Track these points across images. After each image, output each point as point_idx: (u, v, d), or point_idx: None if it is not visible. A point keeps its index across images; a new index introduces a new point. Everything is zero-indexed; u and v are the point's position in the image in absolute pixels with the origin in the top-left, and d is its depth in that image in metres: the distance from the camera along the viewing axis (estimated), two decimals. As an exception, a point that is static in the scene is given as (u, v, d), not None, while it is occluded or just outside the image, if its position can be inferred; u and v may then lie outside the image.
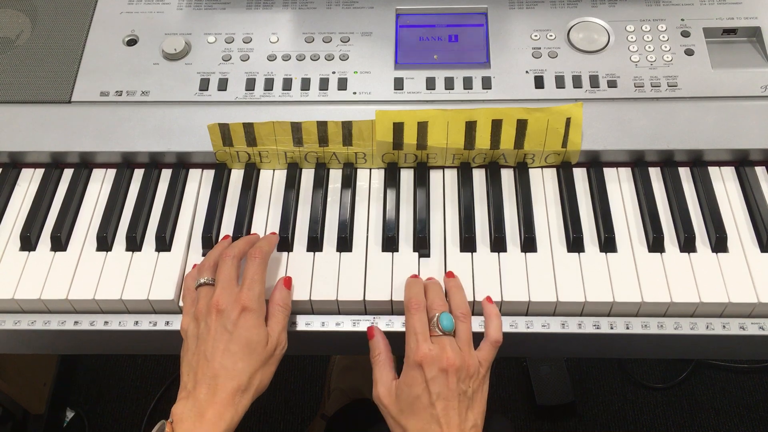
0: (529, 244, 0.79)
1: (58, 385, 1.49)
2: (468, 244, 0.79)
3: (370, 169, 0.87)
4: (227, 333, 0.69)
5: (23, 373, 1.39)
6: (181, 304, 0.77)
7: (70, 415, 1.49)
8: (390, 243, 0.80)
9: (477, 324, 0.75)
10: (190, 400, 0.67)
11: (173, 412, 0.67)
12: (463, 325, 0.71)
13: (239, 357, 0.68)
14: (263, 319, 0.72)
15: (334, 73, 0.89)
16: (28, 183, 0.87)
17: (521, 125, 0.82)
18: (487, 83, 0.87)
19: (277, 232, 0.80)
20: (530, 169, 0.85)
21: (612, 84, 0.87)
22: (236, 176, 0.87)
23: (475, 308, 0.76)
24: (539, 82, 0.87)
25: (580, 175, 0.85)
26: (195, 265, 0.78)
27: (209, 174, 0.87)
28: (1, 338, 0.80)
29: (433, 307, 0.72)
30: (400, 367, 0.72)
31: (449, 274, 0.77)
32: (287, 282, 0.76)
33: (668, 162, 0.85)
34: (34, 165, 0.89)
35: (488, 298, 0.75)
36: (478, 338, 0.73)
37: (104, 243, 0.81)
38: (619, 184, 0.84)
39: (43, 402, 1.44)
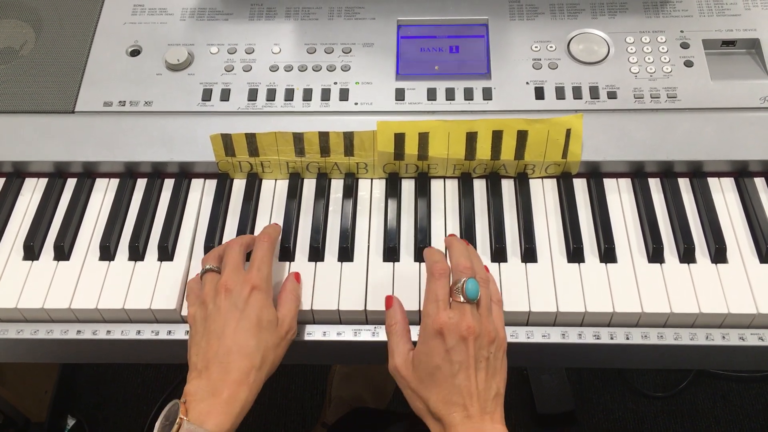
0: (529, 255, 0.80)
1: (59, 392, 1.50)
2: (469, 254, 0.80)
3: (372, 179, 0.87)
4: (238, 311, 0.68)
5: (24, 381, 1.39)
6: (184, 312, 0.77)
7: (71, 422, 1.49)
8: (391, 253, 0.80)
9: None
10: (203, 380, 0.66)
11: (186, 391, 0.66)
12: (484, 291, 0.68)
13: (252, 334, 0.68)
14: (272, 301, 0.72)
15: (335, 83, 0.90)
16: (31, 192, 0.88)
17: (522, 136, 0.82)
18: (487, 94, 0.88)
19: (279, 241, 0.81)
20: (531, 180, 0.86)
21: (612, 95, 0.87)
22: (238, 186, 0.87)
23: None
24: (540, 93, 0.88)
25: (580, 186, 0.86)
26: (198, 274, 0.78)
27: (211, 184, 0.88)
28: (3, 347, 0.80)
29: (459, 270, 0.68)
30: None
31: (464, 241, 0.76)
32: (297, 276, 0.77)
33: (668, 173, 0.86)
34: (38, 174, 0.89)
35: (485, 268, 0.74)
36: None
37: (107, 252, 0.82)
38: (619, 195, 0.85)
39: (44, 409, 1.44)
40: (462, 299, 0.66)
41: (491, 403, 0.65)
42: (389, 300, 0.74)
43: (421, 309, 0.69)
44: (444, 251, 0.76)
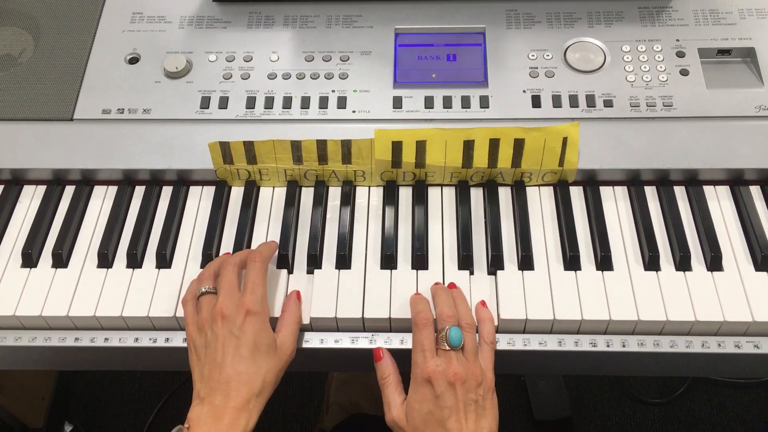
0: (526, 262, 0.80)
1: (57, 398, 1.49)
2: (466, 261, 0.80)
3: (369, 187, 0.88)
4: (235, 338, 0.69)
5: (22, 387, 1.39)
6: (180, 314, 0.78)
7: (68, 429, 1.49)
8: (388, 260, 0.80)
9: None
10: (205, 406, 0.68)
11: (189, 417, 0.68)
12: (469, 336, 0.72)
13: (250, 361, 0.69)
14: (268, 322, 0.72)
15: (333, 91, 0.90)
16: (29, 200, 0.88)
17: (518, 144, 0.83)
18: (484, 102, 0.88)
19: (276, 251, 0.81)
20: (527, 188, 0.86)
21: (608, 103, 0.88)
22: (236, 193, 0.88)
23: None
24: (536, 102, 0.88)
25: (576, 194, 0.86)
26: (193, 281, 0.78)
27: (209, 191, 0.88)
28: (2, 354, 0.81)
29: (442, 319, 0.72)
30: (405, 385, 0.72)
31: (451, 286, 0.78)
32: (299, 295, 0.78)
33: (664, 181, 0.86)
34: (36, 182, 0.90)
35: (482, 302, 0.76)
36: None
37: (105, 260, 0.82)
38: (615, 203, 0.85)
39: (41, 416, 1.44)
40: (447, 347, 0.70)
41: None
42: (377, 352, 0.75)
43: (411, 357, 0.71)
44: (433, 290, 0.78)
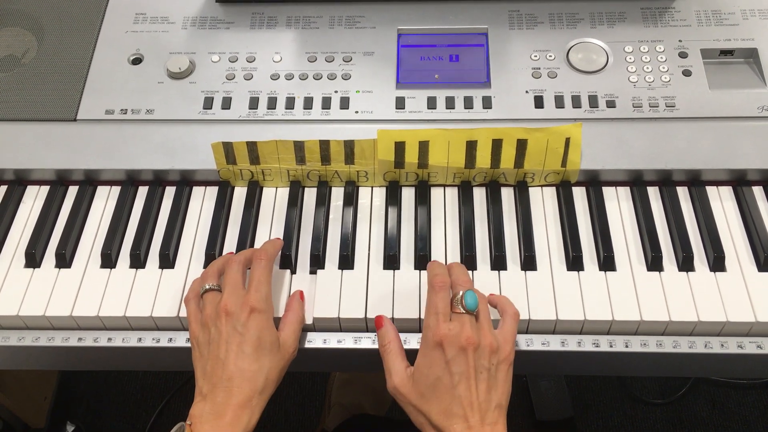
0: (529, 263, 0.80)
1: (59, 398, 1.50)
2: (468, 262, 0.80)
3: (372, 187, 0.88)
4: (238, 335, 0.69)
5: (24, 387, 1.39)
6: (183, 314, 0.78)
7: (70, 428, 1.49)
8: (391, 261, 0.81)
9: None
10: (208, 403, 0.67)
11: (191, 414, 0.68)
12: (483, 305, 0.70)
13: (253, 358, 0.69)
14: (272, 320, 0.72)
15: (336, 92, 0.90)
16: (33, 200, 0.88)
17: (521, 145, 0.83)
18: (487, 103, 0.89)
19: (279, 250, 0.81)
20: (530, 188, 0.86)
21: (611, 104, 0.88)
22: (239, 194, 0.88)
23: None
24: (539, 102, 0.88)
25: (579, 194, 0.86)
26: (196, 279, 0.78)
27: (212, 191, 0.88)
28: (5, 354, 0.81)
29: (458, 283, 0.70)
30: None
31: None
32: (302, 295, 0.78)
33: (666, 181, 0.86)
34: (39, 182, 0.90)
35: (491, 294, 0.76)
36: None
37: (108, 260, 0.82)
38: (618, 203, 0.85)
39: (43, 416, 1.44)
40: (461, 310, 0.68)
41: (492, 414, 0.66)
42: (379, 320, 0.75)
43: (422, 321, 0.69)
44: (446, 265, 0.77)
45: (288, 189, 0.88)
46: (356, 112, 0.89)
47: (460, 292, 0.69)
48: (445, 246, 0.82)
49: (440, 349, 0.66)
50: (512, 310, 0.73)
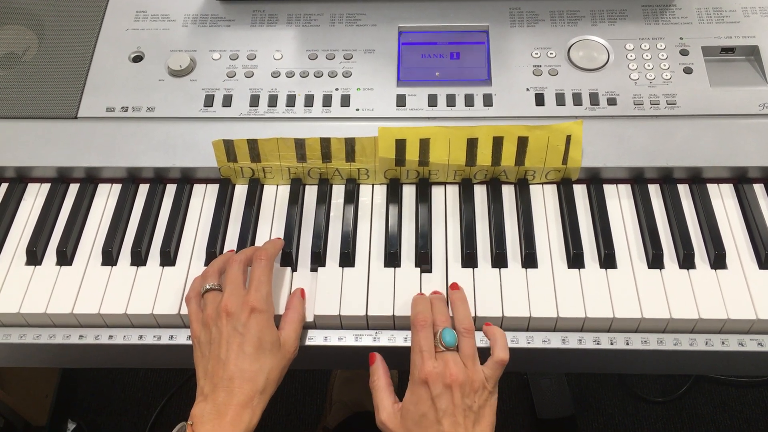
0: (529, 260, 0.80)
1: (60, 396, 1.50)
2: (469, 259, 0.80)
3: (373, 185, 0.88)
4: (239, 335, 0.69)
5: (25, 385, 1.39)
6: (184, 312, 0.78)
7: (71, 426, 1.49)
8: (392, 258, 0.81)
9: (479, 339, 0.75)
10: (209, 403, 0.68)
11: (192, 414, 0.68)
12: (467, 340, 0.72)
13: (254, 358, 0.69)
14: (273, 320, 0.73)
15: (337, 89, 0.90)
16: (34, 198, 0.88)
17: (522, 142, 0.83)
18: (488, 100, 0.89)
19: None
20: (531, 186, 0.86)
21: (612, 102, 0.88)
22: (240, 191, 0.88)
23: (477, 323, 0.77)
24: (540, 100, 0.88)
25: (580, 192, 0.86)
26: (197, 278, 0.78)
27: (213, 189, 0.88)
28: (6, 352, 0.81)
29: (436, 323, 0.73)
30: (401, 389, 0.72)
31: (453, 286, 0.78)
32: (303, 293, 0.78)
33: (667, 179, 0.86)
34: (41, 180, 0.90)
35: (486, 324, 0.76)
36: (485, 355, 0.73)
37: (109, 258, 0.82)
38: (619, 201, 0.85)
39: (44, 413, 1.44)
40: (442, 348, 0.70)
41: None
42: (372, 357, 0.76)
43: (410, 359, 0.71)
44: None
45: (289, 187, 0.88)
46: (357, 109, 0.89)
47: (439, 330, 0.71)
48: (445, 244, 0.82)
49: (426, 387, 0.68)
50: (500, 356, 0.72)
